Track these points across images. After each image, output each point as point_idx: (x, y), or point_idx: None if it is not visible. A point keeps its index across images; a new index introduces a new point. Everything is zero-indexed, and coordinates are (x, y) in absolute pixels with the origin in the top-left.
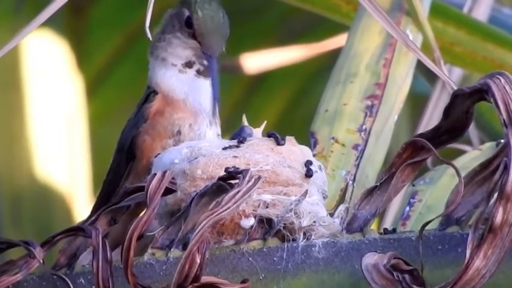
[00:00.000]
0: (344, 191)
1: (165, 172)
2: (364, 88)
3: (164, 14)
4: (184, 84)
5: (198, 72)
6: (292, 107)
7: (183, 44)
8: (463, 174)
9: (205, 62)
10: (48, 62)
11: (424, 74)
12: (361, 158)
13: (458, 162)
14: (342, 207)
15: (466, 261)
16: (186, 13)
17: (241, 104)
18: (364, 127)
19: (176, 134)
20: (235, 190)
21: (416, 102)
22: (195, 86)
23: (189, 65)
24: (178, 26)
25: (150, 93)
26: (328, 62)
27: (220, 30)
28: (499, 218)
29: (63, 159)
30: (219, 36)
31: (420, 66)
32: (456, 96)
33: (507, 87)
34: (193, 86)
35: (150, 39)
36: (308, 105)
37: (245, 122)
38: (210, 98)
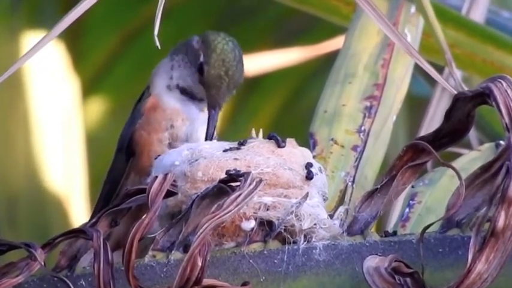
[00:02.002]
0: (343, 193)
1: (166, 175)
2: (363, 89)
3: (191, 38)
4: (177, 102)
5: (197, 106)
6: (289, 109)
7: (193, 78)
8: (462, 175)
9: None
10: (44, 63)
11: (424, 75)
12: (360, 159)
13: (458, 163)
14: (341, 209)
15: (468, 265)
16: (201, 58)
17: (238, 105)
18: (363, 128)
19: (170, 128)
20: (237, 193)
21: (414, 103)
22: (189, 107)
23: (191, 95)
24: (194, 61)
25: (145, 90)
26: (325, 64)
27: (230, 86)
28: (501, 222)
29: (60, 161)
30: (226, 92)
31: (419, 67)
32: (457, 100)
33: (509, 91)
34: (186, 106)
35: (159, 47)
36: (304, 107)
37: (254, 135)
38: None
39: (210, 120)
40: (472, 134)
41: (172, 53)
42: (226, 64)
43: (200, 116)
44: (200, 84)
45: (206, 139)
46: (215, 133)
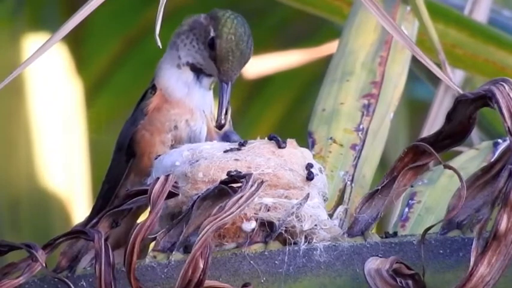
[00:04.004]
0: (342, 192)
1: (168, 176)
2: (361, 87)
3: (197, 16)
4: (185, 86)
5: (205, 86)
6: (292, 112)
7: (202, 54)
8: (461, 174)
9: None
10: (47, 67)
11: (426, 75)
12: (359, 158)
13: (456, 162)
14: (340, 209)
15: (470, 268)
16: (211, 33)
17: (242, 108)
18: (361, 126)
19: (173, 129)
20: (239, 195)
21: (414, 106)
22: (196, 90)
23: (201, 71)
24: (203, 38)
25: (148, 90)
26: (328, 66)
27: (241, 60)
28: (503, 225)
29: (62, 163)
30: (238, 66)
31: (421, 66)
32: (459, 102)
33: (511, 94)
34: (194, 90)
35: (160, 47)
36: (307, 109)
37: None
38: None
39: (224, 94)
40: (474, 133)
41: (173, 38)
42: (237, 38)
43: (207, 102)
44: (210, 59)
45: (220, 112)
46: (229, 110)
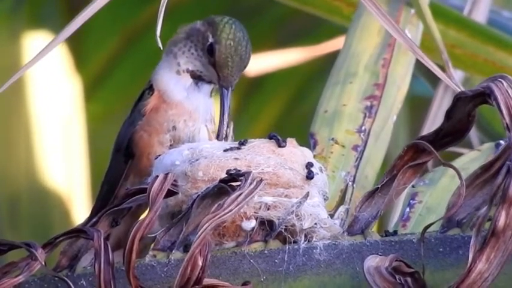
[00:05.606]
0: (344, 192)
1: (167, 174)
2: (363, 89)
3: (192, 24)
4: (184, 90)
5: (205, 93)
6: (290, 109)
7: (202, 61)
8: (462, 175)
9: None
10: (46, 64)
11: (426, 76)
12: (360, 159)
13: (458, 163)
14: (342, 209)
15: (468, 264)
16: (210, 39)
17: (240, 106)
18: (363, 128)
19: (172, 129)
20: (237, 193)
21: (416, 103)
22: (195, 95)
23: (200, 78)
24: (201, 45)
25: (145, 90)
26: (327, 64)
27: (240, 65)
28: (501, 221)
29: (61, 161)
30: (237, 71)
31: (421, 66)
32: (458, 99)
33: (510, 91)
34: (193, 95)
35: (161, 48)
36: (306, 107)
37: None
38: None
39: (225, 100)
40: (473, 134)
41: (170, 47)
42: (235, 43)
43: (206, 107)
44: (210, 65)
45: (222, 118)
46: (229, 114)
